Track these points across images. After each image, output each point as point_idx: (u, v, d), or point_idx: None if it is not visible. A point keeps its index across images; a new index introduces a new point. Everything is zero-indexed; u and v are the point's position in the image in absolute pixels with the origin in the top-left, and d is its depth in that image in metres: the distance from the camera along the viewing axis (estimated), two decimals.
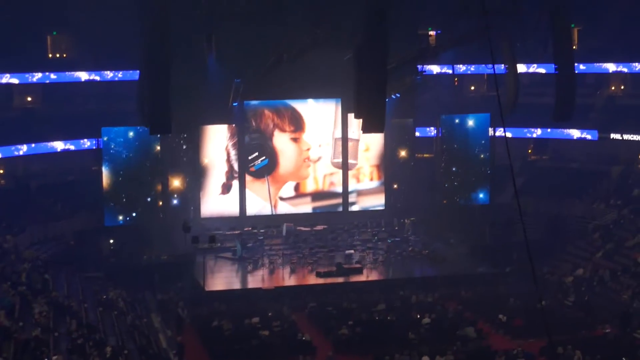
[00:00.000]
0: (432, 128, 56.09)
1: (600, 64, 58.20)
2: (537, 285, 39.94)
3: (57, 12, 53.57)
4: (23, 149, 53.33)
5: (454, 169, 54.27)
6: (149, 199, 50.11)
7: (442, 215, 52.77)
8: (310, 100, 54.21)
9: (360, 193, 55.38)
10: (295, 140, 54.25)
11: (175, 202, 51.45)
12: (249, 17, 43.12)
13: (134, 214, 49.75)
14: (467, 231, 50.89)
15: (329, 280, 44.63)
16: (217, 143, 53.17)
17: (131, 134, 49.76)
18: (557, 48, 40.97)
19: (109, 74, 55.58)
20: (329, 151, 54.75)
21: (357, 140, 54.78)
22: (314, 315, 40.49)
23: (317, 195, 54.86)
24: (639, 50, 56.62)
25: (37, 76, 55.01)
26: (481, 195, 54.09)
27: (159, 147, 50.17)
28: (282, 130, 54.11)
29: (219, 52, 45.70)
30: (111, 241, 48.81)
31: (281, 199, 54.18)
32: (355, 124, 50.60)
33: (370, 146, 55.19)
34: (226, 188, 53.37)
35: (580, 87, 46.16)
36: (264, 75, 48.30)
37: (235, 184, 53.47)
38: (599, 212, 52.33)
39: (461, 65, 58.41)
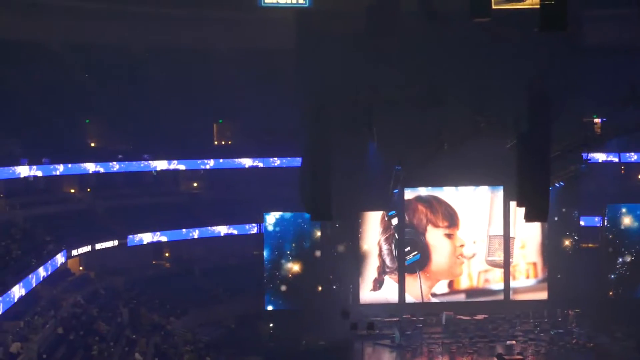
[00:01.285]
0: (598, 217, 54.63)
1: None
2: None
3: (224, 102, 55.41)
4: (194, 234, 54.89)
5: (620, 259, 52.62)
6: (310, 285, 50.46)
7: (607, 308, 51.06)
8: (466, 190, 53.55)
9: (515, 291, 54.19)
10: (449, 236, 53.72)
11: (334, 287, 51.56)
12: (410, 104, 43.43)
13: (294, 299, 50.13)
14: (633, 325, 49.02)
15: None
16: (374, 230, 53.20)
17: (293, 219, 50.43)
18: None
19: (272, 161, 56.84)
20: (483, 248, 53.91)
21: (513, 238, 53.86)
22: None
23: (471, 293, 53.99)
24: None
25: (206, 163, 56.75)
26: None
27: (319, 233, 50.65)
28: (436, 225, 53.70)
29: (380, 138, 46.10)
30: (271, 325, 49.23)
31: (433, 295, 53.55)
32: (512, 221, 50.32)
33: (526, 243, 54.14)
34: (378, 283, 53.14)
35: None
36: (425, 162, 48.35)
37: (387, 279, 53.17)
38: None
39: (628, 154, 57.04)
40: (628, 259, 52.43)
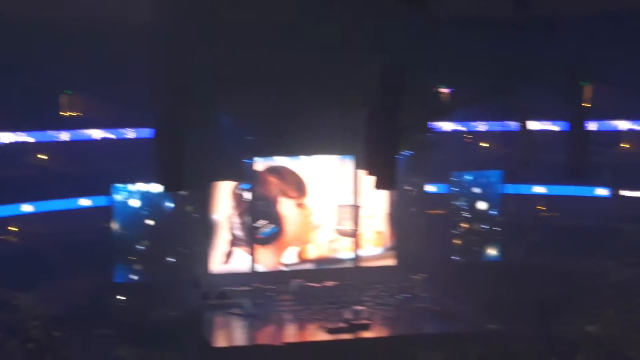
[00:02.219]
0: (444, 185, 56.03)
1: (612, 121, 58.31)
2: (548, 342, 39.62)
3: (74, 73, 54.05)
4: (42, 207, 53.64)
5: (465, 225, 54.15)
6: (159, 256, 50.05)
7: (453, 272, 52.52)
8: (317, 160, 54.03)
9: (364, 259, 55.10)
10: (299, 206, 54.20)
11: (185, 258, 51.32)
12: (263, 77, 43.34)
13: (143, 271, 49.66)
14: (479, 288, 50.58)
15: (338, 336, 44.33)
16: (226, 201, 53.13)
17: (143, 191, 49.86)
18: (570, 106, 41.02)
19: (124, 132, 55.89)
20: (332, 217, 54.58)
21: (362, 207, 54.63)
22: None
23: (320, 261, 54.68)
24: None
25: (56, 135, 55.40)
26: (492, 252, 53.88)
27: (170, 204, 50.25)
28: (287, 195, 54.08)
29: (232, 108, 45.93)
30: (120, 298, 48.70)
31: (284, 264, 54.03)
32: (361, 190, 51.11)
33: (374, 212, 55.09)
34: (228, 255, 53.22)
35: (593, 145, 46.24)
36: (277, 132, 48.45)
37: (237, 250, 53.30)
38: (612, 269, 51.98)
39: (474, 123, 58.52)
40: (472, 224, 53.99)
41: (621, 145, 60.28)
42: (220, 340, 43.89)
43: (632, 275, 50.36)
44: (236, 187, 53.03)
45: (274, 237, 53.75)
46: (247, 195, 53.21)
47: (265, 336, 45.26)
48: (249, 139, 49.57)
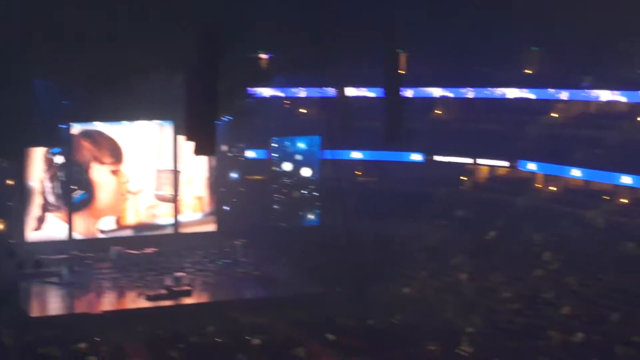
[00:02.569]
0: (264, 150, 56.43)
1: (426, 88, 60.02)
2: (364, 304, 40.67)
3: None
4: None
5: (285, 190, 54.78)
6: None
7: (273, 237, 53.11)
8: (134, 125, 53.42)
9: (184, 225, 55.00)
10: (114, 172, 53.50)
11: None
12: (77, 37, 42.34)
13: None
14: (297, 252, 51.34)
15: (159, 303, 44.21)
16: (38, 167, 51.90)
17: None
18: (386, 72, 41.79)
19: None
20: (151, 183, 54.23)
21: (181, 172, 54.49)
22: (143, 339, 39.94)
23: (139, 228, 54.20)
24: (464, 76, 58.80)
25: None
26: (312, 217, 54.80)
27: None
28: (101, 162, 53.26)
29: (46, 73, 44.81)
30: None
31: (101, 232, 53.33)
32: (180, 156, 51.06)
33: (194, 177, 55.02)
34: (41, 221, 52.05)
35: (407, 111, 47.47)
36: (94, 97, 47.58)
37: (52, 217, 52.23)
38: (425, 233, 53.72)
39: (293, 89, 59.06)
40: (292, 190, 54.66)
41: (435, 111, 62.11)
42: (37, 310, 43.01)
43: (443, 238, 52.27)
44: (47, 152, 51.75)
45: (85, 204, 52.82)
46: (59, 160, 52.05)
47: (84, 305, 44.66)
48: (64, 103, 48.43)
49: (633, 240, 44.68)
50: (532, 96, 57.56)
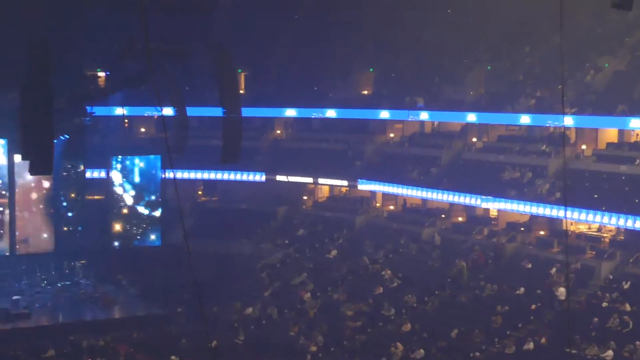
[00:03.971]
0: (104, 170, 55.50)
1: (267, 107, 60.46)
2: (206, 325, 40.49)
3: None
4: None
5: (125, 211, 54.11)
6: None
7: (113, 258, 52.35)
8: None
9: (21, 246, 53.27)
10: None
11: None
12: None
13: None
14: (138, 273, 50.78)
15: None
16: None
17: None
18: (223, 92, 41.92)
19: None
20: None
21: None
22: None
23: None
24: (304, 95, 59.62)
25: None
26: (152, 237, 54.27)
27: None
28: None
29: None
30: None
31: None
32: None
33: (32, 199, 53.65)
34: None
35: (247, 131, 47.68)
36: None
37: None
38: (267, 252, 54.06)
39: (131, 107, 58.36)
40: (132, 209, 54.10)
41: (276, 131, 62.62)
42: None
43: (283, 256, 52.68)
44: None
45: None
46: None
47: None
48: None
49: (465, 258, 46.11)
50: (370, 116, 58.76)
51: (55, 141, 38.03)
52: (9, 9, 43.64)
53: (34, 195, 53.38)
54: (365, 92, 62.12)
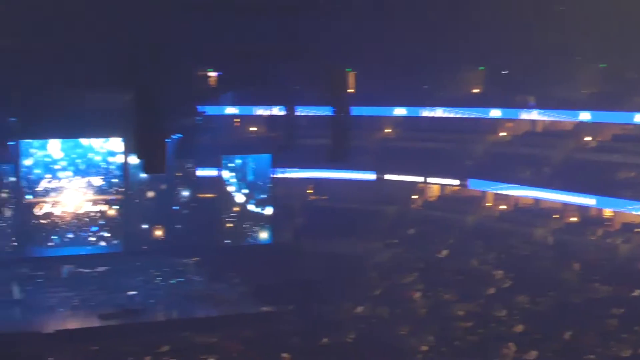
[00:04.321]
0: (215, 168, 56.23)
1: (376, 107, 60.34)
2: (317, 323, 40.62)
3: None
4: None
5: (236, 209, 54.63)
6: None
7: (225, 256, 52.91)
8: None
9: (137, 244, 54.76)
10: None
11: None
12: (23, 54, 42.00)
13: None
14: (249, 271, 51.16)
15: (112, 322, 43.77)
16: None
17: None
18: (333, 91, 41.94)
19: None
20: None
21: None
22: (96, 358, 39.57)
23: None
24: (413, 94, 59.29)
25: None
26: (263, 235, 54.67)
27: None
28: None
29: None
30: None
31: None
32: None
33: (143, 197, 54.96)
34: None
35: (356, 129, 47.63)
36: (42, 113, 47.23)
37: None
38: (377, 251, 53.88)
39: (242, 107, 59.00)
40: (243, 208, 54.60)
41: (386, 130, 62.44)
42: None
43: (393, 256, 52.46)
44: None
45: None
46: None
47: (35, 324, 43.98)
48: (11, 120, 47.96)
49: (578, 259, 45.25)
50: (480, 115, 58.14)
51: (168, 140, 38.60)
52: (123, 11, 44.58)
53: (149, 194, 54.46)
54: (476, 90, 61.45)
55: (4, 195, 50.79)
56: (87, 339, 41.51)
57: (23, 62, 42.72)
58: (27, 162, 52.26)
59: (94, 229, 53.67)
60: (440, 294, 46.58)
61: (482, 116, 58.25)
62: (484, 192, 56.02)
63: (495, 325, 41.99)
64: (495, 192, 54.98)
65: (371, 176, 58.55)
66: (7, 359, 38.17)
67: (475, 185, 54.99)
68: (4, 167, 51.28)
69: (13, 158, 51.48)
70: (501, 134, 58.02)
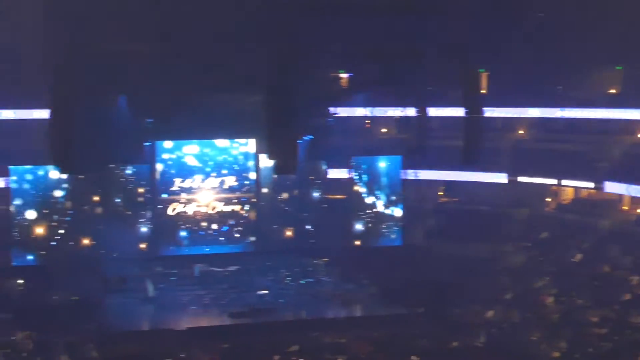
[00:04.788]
0: (345, 170, 56.30)
1: (508, 108, 59.43)
2: (447, 326, 40.20)
3: None
4: None
5: (366, 210, 54.55)
6: (59, 239, 49.21)
7: (354, 256, 52.90)
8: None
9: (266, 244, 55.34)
10: None
11: (86, 241, 50.51)
12: (159, 56, 42.87)
13: (43, 255, 48.77)
14: (379, 272, 51.05)
15: (242, 321, 44.28)
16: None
17: (41, 172, 48.95)
18: (465, 92, 41.49)
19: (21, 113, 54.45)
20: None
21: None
22: (226, 356, 40.03)
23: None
24: (546, 94, 58.14)
25: None
26: (393, 237, 54.43)
27: (69, 186, 49.43)
28: None
29: (129, 91, 45.41)
30: (19, 281, 47.81)
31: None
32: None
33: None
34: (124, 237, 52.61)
35: (488, 131, 47.00)
36: (178, 114, 48.11)
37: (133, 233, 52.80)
38: (508, 254, 53.05)
39: (373, 108, 58.88)
40: (373, 209, 54.45)
41: (518, 131, 61.44)
42: (121, 325, 43.29)
43: (526, 259, 51.53)
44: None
45: None
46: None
47: (167, 321, 44.86)
48: (148, 121, 49.00)
49: None
50: (616, 116, 56.64)
51: (299, 142, 38.80)
52: (259, 15, 45.11)
53: (281, 194, 54.94)
54: (612, 90, 59.85)
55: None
56: (218, 337, 42.07)
57: (159, 65, 43.64)
58: (162, 162, 53.25)
59: (225, 228, 54.31)
60: (573, 299, 45.53)
61: (619, 117, 56.64)
62: (620, 195, 54.49)
63: (631, 332, 40.77)
64: (632, 195, 53.39)
65: (503, 178, 57.64)
66: (141, 355, 39.01)
67: (612, 188, 53.50)
68: (140, 168, 52.35)
69: (148, 159, 52.53)
70: (639, 135, 56.37)
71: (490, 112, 54.72)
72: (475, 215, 57.58)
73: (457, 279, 50.85)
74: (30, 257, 48.77)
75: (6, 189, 48.76)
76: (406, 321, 45.86)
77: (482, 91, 48.31)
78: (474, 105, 41.36)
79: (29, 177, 48.97)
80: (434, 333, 41.81)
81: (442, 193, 61.95)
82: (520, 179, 57.17)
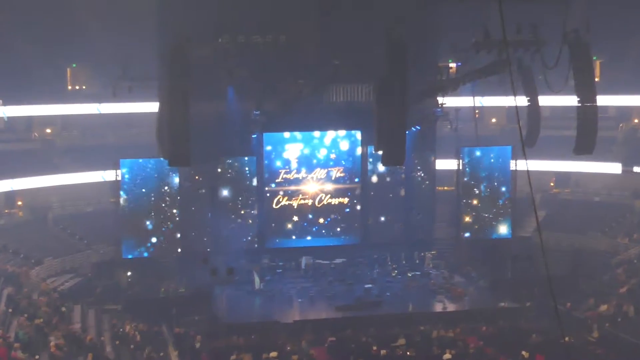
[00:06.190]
0: (453, 161, 55.51)
1: (622, 96, 57.83)
2: (559, 320, 39.25)
3: (77, 44, 53.66)
4: (48, 181, 53.42)
5: (475, 202, 53.74)
6: (168, 231, 49.69)
7: (463, 249, 52.24)
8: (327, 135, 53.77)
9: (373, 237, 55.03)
10: None
11: (193, 234, 50.90)
12: (268, 48, 42.84)
13: (152, 247, 49.33)
14: (488, 265, 50.30)
15: (348, 314, 44.04)
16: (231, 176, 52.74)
17: (150, 165, 49.47)
18: (579, 80, 40.37)
19: (129, 105, 55.13)
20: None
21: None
22: (333, 349, 39.85)
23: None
24: None
25: (57, 108, 55.15)
26: (502, 229, 53.49)
27: (177, 179, 49.86)
28: None
29: (239, 84, 45.55)
30: (129, 273, 48.49)
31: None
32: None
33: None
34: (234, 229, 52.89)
35: (602, 120, 45.63)
36: (284, 107, 48.12)
37: (242, 225, 52.80)
38: (623, 247, 51.70)
39: (482, 98, 58.02)
40: (482, 201, 53.58)
41: (633, 120, 59.83)
42: (229, 317, 43.49)
43: None
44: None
45: None
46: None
47: (275, 313, 44.90)
48: (255, 113, 49.10)
49: None
50: None
51: (407, 132, 38.33)
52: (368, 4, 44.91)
53: (388, 186, 54.51)
54: None
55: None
56: (324, 329, 41.93)
57: (269, 57, 43.66)
58: (268, 154, 53.31)
59: (331, 220, 54.11)
60: None
61: None
62: None
63: None
64: None
65: (617, 168, 56.09)
66: (247, 347, 39.08)
67: None
68: (247, 159, 52.50)
69: (255, 150, 52.64)
70: None
71: (604, 100, 53.25)
72: (588, 206, 56.35)
73: (569, 272, 49.83)
74: (139, 250, 49.29)
75: (116, 182, 49.33)
76: (516, 315, 45.09)
77: (595, 79, 46.91)
78: (587, 93, 40.12)
79: (138, 169, 49.46)
80: (544, 327, 40.96)
81: (553, 184, 60.71)
82: (636, 169, 55.53)
